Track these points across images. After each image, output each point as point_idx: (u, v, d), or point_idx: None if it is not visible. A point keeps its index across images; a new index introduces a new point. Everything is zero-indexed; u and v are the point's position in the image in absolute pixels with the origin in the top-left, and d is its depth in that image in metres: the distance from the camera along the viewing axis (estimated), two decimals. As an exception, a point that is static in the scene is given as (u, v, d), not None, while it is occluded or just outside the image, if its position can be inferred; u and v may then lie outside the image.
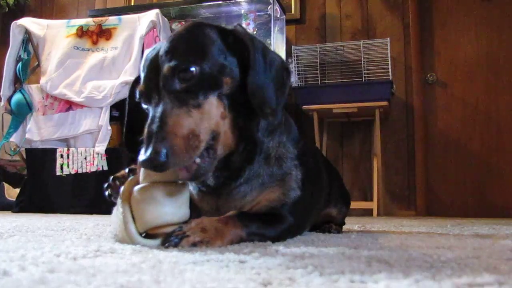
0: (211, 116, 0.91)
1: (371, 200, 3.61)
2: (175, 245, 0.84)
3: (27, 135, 3.22)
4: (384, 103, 3.47)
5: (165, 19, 3.35)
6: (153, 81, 0.93)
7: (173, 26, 3.97)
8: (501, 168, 3.71)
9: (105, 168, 3.07)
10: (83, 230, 1.36)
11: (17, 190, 3.36)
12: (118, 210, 0.93)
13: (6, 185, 3.61)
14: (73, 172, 3.12)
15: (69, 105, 3.21)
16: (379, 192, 3.60)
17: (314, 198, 1.27)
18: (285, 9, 4.04)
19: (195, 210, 1.11)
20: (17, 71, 3.32)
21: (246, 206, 1.06)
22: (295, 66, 3.79)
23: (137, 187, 0.91)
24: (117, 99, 3.10)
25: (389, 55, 3.65)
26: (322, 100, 3.60)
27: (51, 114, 3.23)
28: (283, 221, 1.04)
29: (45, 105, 3.26)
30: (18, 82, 3.33)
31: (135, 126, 1.13)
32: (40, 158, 3.19)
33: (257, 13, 3.96)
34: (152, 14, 3.24)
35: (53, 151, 3.16)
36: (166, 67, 0.90)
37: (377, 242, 1.08)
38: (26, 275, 0.55)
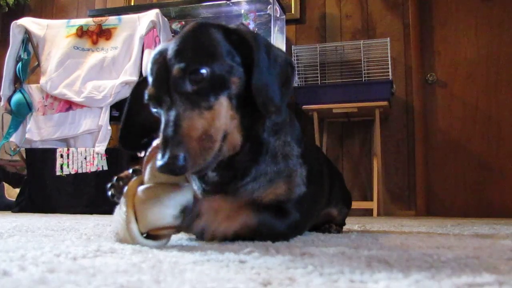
0: (222, 117, 0.91)
1: (371, 200, 3.62)
2: (187, 226, 0.85)
3: (27, 135, 3.22)
4: (384, 103, 3.47)
5: (165, 19, 3.35)
6: (163, 84, 0.92)
7: (173, 26, 3.97)
8: (501, 168, 3.71)
9: (105, 168, 3.07)
10: (83, 230, 1.36)
11: (17, 190, 3.36)
12: (121, 209, 0.93)
13: (6, 185, 3.61)
14: (73, 172, 3.12)
15: (69, 105, 3.21)
16: (379, 192, 3.61)
17: (317, 196, 1.28)
18: (285, 9, 4.04)
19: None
20: (17, 71, 3.31)
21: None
22: (295, 66, 3.79)
23: (141, 187, 0.91)
24: (117, 99, 3.10)
25: (389, 55, 3.65)
26: (322, 100, 3.60)
27: (51, 114, 3.23)
28: (290, 216, 1.05)
29: (45, 105, 3.26)
30: (18, 82, 3.33)
31: (133, 124, 1.14)
32: (40, 158, 3.19)
33: (257, 13, 3.96)
34: (152, 14, 3.24)
35: (53, 151, 3.16)
36: (176, 69, 0.90)
37: (377, 242, 1.08)
38: (26, 275, 0.55)
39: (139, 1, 4.67)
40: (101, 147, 3.07)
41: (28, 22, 3.38)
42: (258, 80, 0.94)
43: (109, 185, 1.06)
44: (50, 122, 3.22)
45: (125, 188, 0.95)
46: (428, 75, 3.94)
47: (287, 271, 0.60)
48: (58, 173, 3.13)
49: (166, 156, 0.82)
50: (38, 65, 3.40)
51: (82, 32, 3.35)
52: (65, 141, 3.26)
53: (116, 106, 3.20)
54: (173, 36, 3.37)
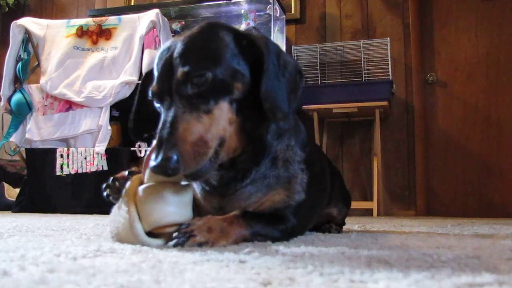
0: (220, 121, 0.91)
1: (371, 200, 3.61)
2: (182, 244, 0.85)
3: (27, 135, 3.22)
4: (384, 103, 3.47)
5: (165, 19, 3.35)
6: (166, 83, 0.93)
7: (173, 26, 3.97)
8: (501, 168, 3.71)
9: (105, 168, 3.07)
10: (83, 230, 1.36)
11: (17, 190, 3.36)
12: (121, 209, 0.93)
13: (6, 185, 3.61)
14: (73, 172, 3.12)
15: (69, 105, 3.21)
16: (379, 192, 3.60)
17: (318, 201, 1.28)
18: (285, 9, 4.04)
19: (197, 208, 1.11)
20: (17, 71, 3.32)
21: (250, 207, 1.07)
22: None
23: (142, 186, 0.92)
24: (117, 99, 3.10)
25: (389, 55, 3.65)
26: (322, 100, 3.60)
27: (51, 114, 3.23)
28: (286, 222, 1.05)
29: (45, 105, 3.26)
30: (18, 82, 3.33)
31: (142, 113, 1.16)
32: (40, 158, 3.19)
33: (257, 13, 3.95)
34: (152, 14, 3.24)
35: (53, 151, 3.16)
36: (180, 71, 0.90)
37: (377, 242, 1.08)
38: (26, 275, 0.55)
39: (139, 1, 4.67)
40: (101, 147, 3.07)
41: (28, 22, 3.38)
42: (266, 86, 0.94)
43: (104, 185, 1.06)
44: (50, 122, 3.22)
45: (124, 188, 0.95)
46: (428, 75, 3.94)
47: (287, 271, 0.60)
48: (58, 173, 3.13)
49: (160, 157, 0.83)
50: (38, 65, 3.40)
51: (82, 32, 3.35)
52: (65, 141, 3.26)
53: (116, 106, 3.20)
54: (173, 36, 3.37)
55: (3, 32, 4.56)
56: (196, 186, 1.13)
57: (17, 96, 3.25)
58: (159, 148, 0.84)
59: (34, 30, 3.35)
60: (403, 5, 4.01)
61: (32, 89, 3.31)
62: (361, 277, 0.56)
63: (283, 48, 3.97)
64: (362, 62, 3.73)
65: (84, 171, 3.11)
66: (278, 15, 3.95)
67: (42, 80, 3.24)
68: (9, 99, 3.28)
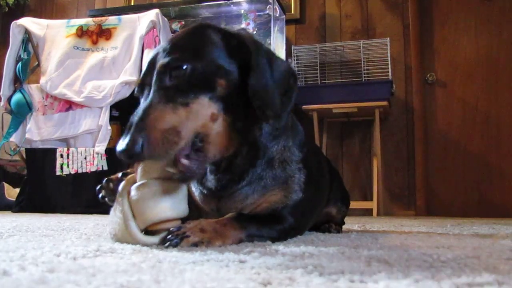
0: (199, 116, 0.90)
1: (371, 200, 3.62)
2: (175, 245, 0.84)
3: (27, 135, 3.22)
4: (384, 103, 3.47)
5: (165, 19, 3.35)
6: (148, 76, 0.95)
7: (173, 26, 3.97)
8: (501, 168, 3.71)
9: (105, 168, 3.07)
10: (83, 230, 1.36)
11: (17, 190, 3.36)
12: (116, 210, 0.94)
13: (6, 185, 3.61)
14: (73, 172, 3.12)
15: (69, 105, 3.21)
16: (379, 192, 3.61)
17: (316, 200, 1.28)
18: (285, 9, 4.04)
19: (195, 211, 1.11)
20: (17, 71, 3.31)
21: (247, 208, 1.07)
22: (295, 66, 3.79)
23: (135, 185, 0.92)
24: (117, 99, 3.10)
25: (389, 55, 3.65)
26: (322, 100, 3.60)
27: (51, 114, 3.23)
28: (283, 222, 1.05)
29: (45, 105, 3.26)
30: (18, 82, 3.33)
31: None
32: (40, 158, 3.19)
33: (257, 13, 3.96)
34: (152, 14, 3.23)
35: (53, 151, 3.16)
36: (159, 63, 0.92)
37: (377, 242, 1.08)
38: (26, 275, 0.55)
39: (139, 1, 4.67)
40: (101, 147, 3.07)
41: (28, 22, 3.38)
42: (254, 82, 0.94)
43: (98, 187, 1.06)
44: (50, 122, 3.22)
45: (119, 189, 0.95)
46: (428, 75, 3.94)
47: (287, 271, 0.60)
48: (58, 173, 3.13)
49: (126, 140, 0.83)
50: (38, 65, 3.40)
51: (82, 32, 3.35)
52: (65, 141, 3.26)
53: (116, 106, 3.19)
54: (173, 36, 3.36)
55: (3, 32, 4.56)
56: (195, 190, 1.13)
57: (17, 96, 3.25)
58: (127, 132, 0.84)
59: (34, 30, 3.35)
60: (403, 5, 4.01)
61: (32, 89, 3.31)
62: (361, 277, 0.56)
63: (283, 48, 3.97)
64: (362, 62, 3.73)
65: (84, 171, 3.11)
66: (278, 15, 3.95)
67: (42, 80, 3.24)
68: (9, 99, 3.28)
